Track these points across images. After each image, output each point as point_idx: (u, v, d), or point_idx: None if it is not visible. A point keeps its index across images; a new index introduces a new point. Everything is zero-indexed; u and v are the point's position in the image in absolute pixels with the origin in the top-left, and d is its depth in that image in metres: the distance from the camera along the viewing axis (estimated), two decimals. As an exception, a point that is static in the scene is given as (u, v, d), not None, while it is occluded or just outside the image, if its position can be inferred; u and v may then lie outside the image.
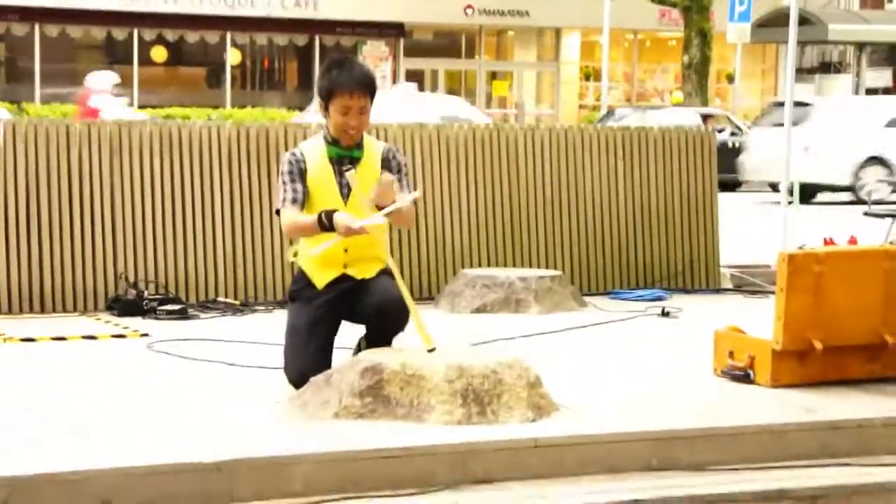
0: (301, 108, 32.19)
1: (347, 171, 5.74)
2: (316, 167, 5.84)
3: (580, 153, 9.74)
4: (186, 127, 8.84)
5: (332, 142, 5.86)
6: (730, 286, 9.97)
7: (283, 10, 32.48)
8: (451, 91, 36.11)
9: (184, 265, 8.61)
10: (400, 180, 5.88)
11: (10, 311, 8.18)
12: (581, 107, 36.60)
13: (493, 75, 36.77)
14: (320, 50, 33.81)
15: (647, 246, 9.84)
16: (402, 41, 34.30)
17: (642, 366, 6.83)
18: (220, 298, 8.61)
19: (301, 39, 33.77)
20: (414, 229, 9.05)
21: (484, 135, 9.54)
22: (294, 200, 5.79)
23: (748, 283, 9.95)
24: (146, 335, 7.48)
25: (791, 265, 6.19)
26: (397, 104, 21.00)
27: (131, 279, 8.42)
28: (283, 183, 5.83)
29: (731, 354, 6.40)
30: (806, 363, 6.23)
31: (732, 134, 25.55)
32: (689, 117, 23.62)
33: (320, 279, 5.93)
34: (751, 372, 6.29)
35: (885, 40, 32.24)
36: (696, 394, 6.10)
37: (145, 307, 8.19)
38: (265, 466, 4.84)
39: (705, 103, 28.78)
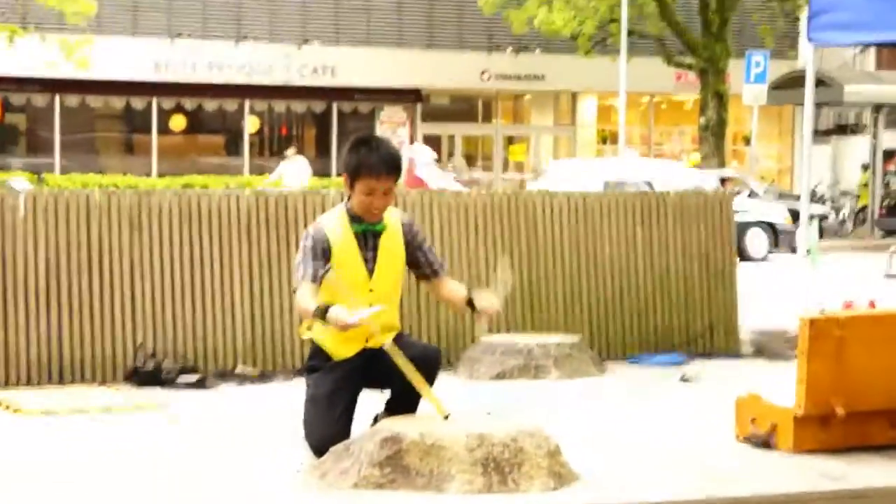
0: (320, 176, 32.33)
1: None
2: (341, 244, 5.85)
3: (598, 218, 9.73)
4: (206, 196, 8.87)
5: (355, 217, 5.88)
6: (750, 351, 9.91)
7: (301, 77, 32.69)
8: (469, 156, 36.22)
9: (202, 334, 8.60)
10: (421, 246, 6.02)
11: (29, 383, 8.17)
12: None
13: (510, 140, 36.87)
14: (338, 116, 33.99)
15: (666, 310, 9.80)
16: (419, 106, 34.46)
17: (663, 432, 6.78)
18: (239, 368, 8.59)
19: (319, 106, 33.95)
20: (432, 296, 9.02)
21: (502, 201, 9.55)
22: (313, 278, 5.78)
23: (769, 348, 9.88)
24: (165, 406, 7.46)
25: (812, 330, 6.16)
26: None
27: (150, 349, 8.41)
28: (303, 259, 5.81)
29: (752, 421, 6.36)
30: (828, 429, 6.18)
31: (750, 196, 25.51)
32: (707, 180, 23.55)
33: (340, 353, 5.93)
34: (773, 439, 6.24)
35: (902, 101, 32.25)
36: (717, 461, 6.05)
37: (164, 378, 8.18)
38: (284, 539, 4.80)
39: (722, 165, 28.79)
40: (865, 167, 30.63)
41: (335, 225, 5.89)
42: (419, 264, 6.06)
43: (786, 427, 6.19)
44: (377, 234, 5.91)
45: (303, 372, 8.62)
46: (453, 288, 6.12)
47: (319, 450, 5.77)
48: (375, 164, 5.79)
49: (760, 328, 10.38)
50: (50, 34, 23.54)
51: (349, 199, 5.93)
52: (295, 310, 6.08)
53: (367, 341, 5.93)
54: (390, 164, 5.84)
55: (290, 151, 25.18)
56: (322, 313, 5.57)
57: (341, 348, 5.95)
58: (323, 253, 5.81)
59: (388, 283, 5.95)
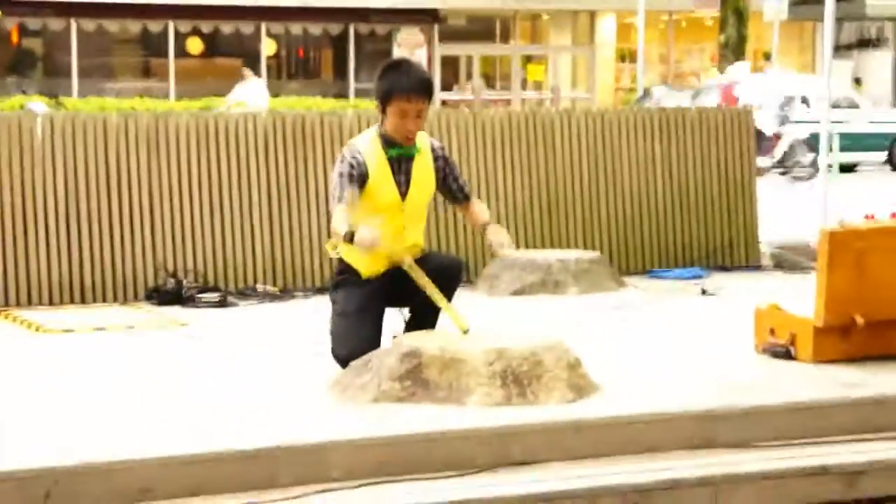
0: (337, 96, 32.23)
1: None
2: (375, 168, 5.91)
3: (617, 135, 9.69)
4: (223, 118, 8.86)
5: (388, 141, 5.92)
6: (770, 264, 9.90)
7: (318, -1, 32.53)
8: (487, 77, 36.03)
9: (222, 254, 8.63)
10: (452, 173, 6.14)
11: (50, 303, 8.22)
12: (618, 89, 36.43)
13: (528, 59, 36.66)
14: (355, 38, 33.81)
15: (685, 225, 9.78)
16: (436, 27, 34.23)
17: (682, 345, 6.80)
18: (259, 286, 8.62)
19: (335, 28, 33.75)
20: (451, 212, 9.04)
21: (520, 119, 9.51)
22: (349, 202, 5.84)
23: (788, 261, 9.87)
24: (186, 324, 7.50)
25: (832, 242, 6.14)
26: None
27: (170, 269, 8.44)
28: (339, 184, 5.86)
29: (772, 332, 6.36)
30: (848, 339, 6.18)
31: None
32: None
33: (367, 270, 5.98)
34: (792, 349, 6.25)
35: (924, 15, 31.95)
36: (737, 372, 6.07)
37: (185, 296, 8.21)
38: (304, 452, 4.84)
39: (743, 82, 28.57)
40: None
41: (369, 149, 5.94)
42: (451, 190, 6.19)
43: (805, 337, 6.19)
44: (409, 159, 5.98)
45: (326, 288, 8.67)
46: (478, 210, 6.22)
47: (349, 362, 5.81)
48: (406, 87, 5.84)
49: (780, 241, 10.36)
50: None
51: (381, 123, 5.94)
52: (332, 229, 6.08)
53: (393, 259, 5.99)
54: (421, 87, 5.89)
55: (247, 73, 24.99)
56: (350, 237, 5.66)
57: (370, 266, 5.99)
58: (359, 177, 5.86)
59: (419, 206, 6.06)
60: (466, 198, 6.22)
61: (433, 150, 6.10)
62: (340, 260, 6.09)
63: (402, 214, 5.95)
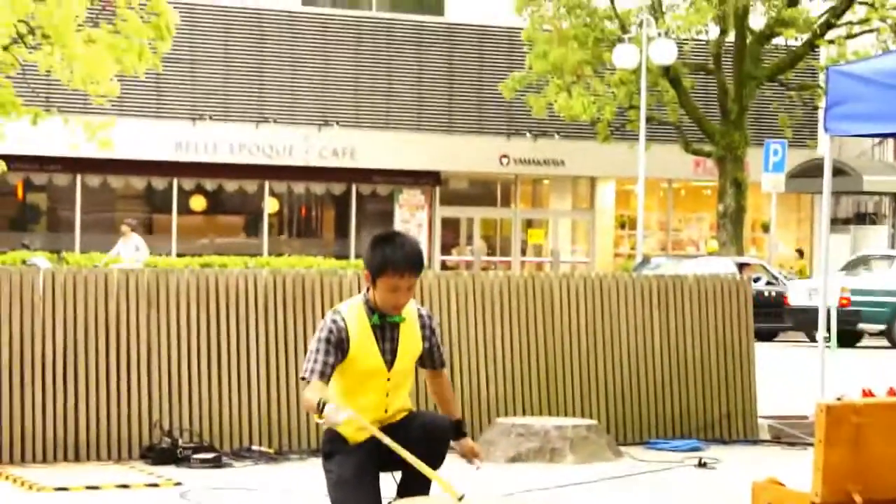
0: (338, 256, 32.41)
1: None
2: (359, 335, 5.86)
3: (615, 301, 9.74)
4: (223, 275, 8.92)
5: (373, 309, 5.89)
6: (768, 437, 9.86)
7: (321, 159, 32.88)
8: (487, 239, 36.29)
9: (218, 412, 8.61)
10: (437, 342, 6.06)
11: (44, 460, 8.17)
12: (616, 255, 36.68)
13: (529, 223, 36.97)
14: (357, 198, 34.13)
15: (683, 395, 9.77)
16: (437, 189, 34.60)
17: (679, 518, 6.74)
18: (255, 446, 8.58)
19: (338, 188, 34.11)
20: (448, 376, 9.01)
21: (519, 283, 9.57)
22: (322, 374, 5.78)
23: (786, 434, 9.83)
24: (179, 484, 7.45)
25: (829, 416, 6.12)
26: None
27: (166, 427, 8.41)
28: (316, 351, 5.82)
29: (769, 507, 6.31)
30: (846, 516, 6.12)
31: (768, 283, 25.52)
32: (725, 266, 23.62)
33: (356, 437, 5.95)
34: (790, 525, 6.19)
35: (921, 190, 32.37)
36: (734, 547, 6.00)
37: (179, 456, 8.17)
38: None
39: (740, 252, 28.81)
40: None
41: (352, 315, 5.89)
42: (431, 357, 6.10)
43: (803, 514, 6.13)
44: (395, 326, 5.93)
45: (319, 452, 8.62)
46: (447, 391, 6.17)
47: None
48: (400, 263, 5.80)
49: (778, 414, 10.34)
50: (73, 115, 23.76)
51: (368, 290, 5.97)
52: (301, 402, 6.07)
53: (380, 424, 5.96)
54: (415, 262, 5.86)
55: (125, 229, 25.00)
56: (320, 409, 5.62)
57: (358, 433, 5.96)
58: (339, 344, 5.81)
59: (405, 373, 6.01)
60: (440, 366, 6.14)
61: (420, 317, 6.04)
62: (327, 428, 6.07)
63: (387, 383, 5.90)
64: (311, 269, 10.84)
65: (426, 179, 34.25)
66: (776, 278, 26.00)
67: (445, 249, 35.23)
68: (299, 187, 34.02)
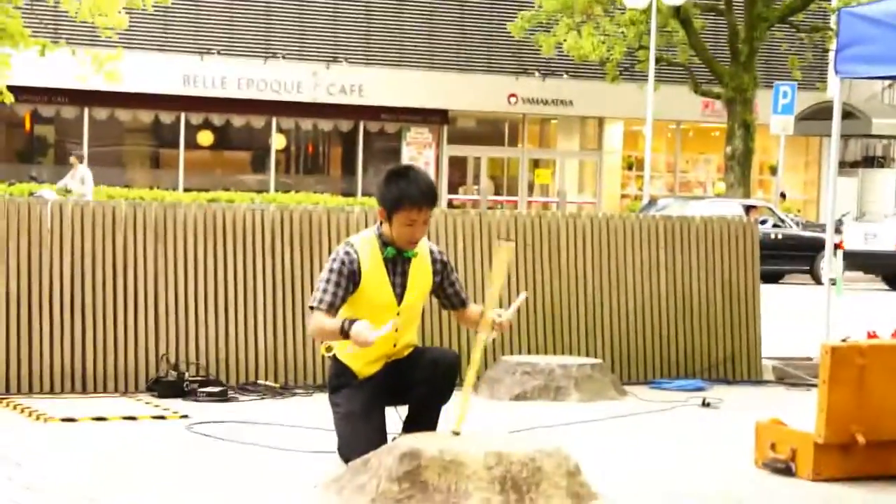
0: (345, 193, 32.39)
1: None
2: (371, 268, 5.89)
3: (622, 242, 9.74)
4: (231, 210, 8.91)
5: (386, 243, 5.92)
6: (772, 378, 9.89)
7: (329, 95, 32.80)
8: (494, 179, 36.24)
9: (225, 347, 8.63)
10: (449, 277, 6.12)
11: (52, 391, 8.21)
12: (623, 196, 36.65)
13: (536, 163, 36.91)
14: (364, 135, 34.07)
15: (688, 336, 9.79)
16: (445, 128, 34.51)
17: (682, 457, 6.77)
18: (261, 381, 8.62)
19: (346, 125, 34.04)
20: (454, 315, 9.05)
21: (526, 222, 9.57)
22: (331, 305, 5.81)
23: (791, 375, 9.87)
24: (186, 416, 7.49)
25: (834, 357, 6.15)
26: None
27: (172, 361, 8.45)
28: (327, 281, 5.84)
29: (772, 447, 6.35)
30: (849, 457, 6.16)
31: (775, 226, 25.51)
32: (732, 208, 23.60)
33: (365, 371, 5.99)
34: (792, 465, 6.23)
35: (929, 134, 32.25)
36: (736, 485, 6.04)
37: (186, 389, 8.21)
38: (301, 551, 4.81)
39: (748, 195, 28.76)
40: None
41: (366, 249, 5.93)
42: (447, 295, 6.17)
43: (806, 454, 6.17)
44: (407, 261, 5.97)
45: (324, 387, 8.66)
46: (473, 310, 6.21)
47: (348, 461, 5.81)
48: (417, 197, 5.84)
49: (783, 355, 10.36)
50: (80, 47, 23.69)
51: (380, 225, 5.96)
52: (309, 332, 6.25)
53: (388, 358, 6.00)
54: (430, 195, 5.91)
55: (73, 160, 24.90)
56: (346, 330, 5.65)
57: (366, 367, 6.00)
58: (351, 276, 5.84)
59: (415, 309, 6.06)
60: (463, 303, 6.21)
61: (431, 252, 6.09)
62: (335, 361, 6.09)
63: (396, 318, 5.92)
64: (318, 206, 10.83)
65: (434, 118, 34.16)
66: (783, 220, 25.98)
67: (452, 188, 35.20)
68: (307, 124, 33.96)
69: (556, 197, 35.42)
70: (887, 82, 32.24)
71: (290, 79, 32.38)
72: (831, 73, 10.08)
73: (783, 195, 31.19)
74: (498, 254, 6.14)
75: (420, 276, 6.01)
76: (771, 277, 22.84)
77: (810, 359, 9.77)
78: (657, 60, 28.66)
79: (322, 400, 6.97)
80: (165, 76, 31.02)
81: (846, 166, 33.38)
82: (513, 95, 34.32)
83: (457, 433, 5.64)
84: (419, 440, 5.56)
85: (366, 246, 5.94)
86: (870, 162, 34.87)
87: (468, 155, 35.70)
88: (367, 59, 33.16)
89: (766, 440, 6.40)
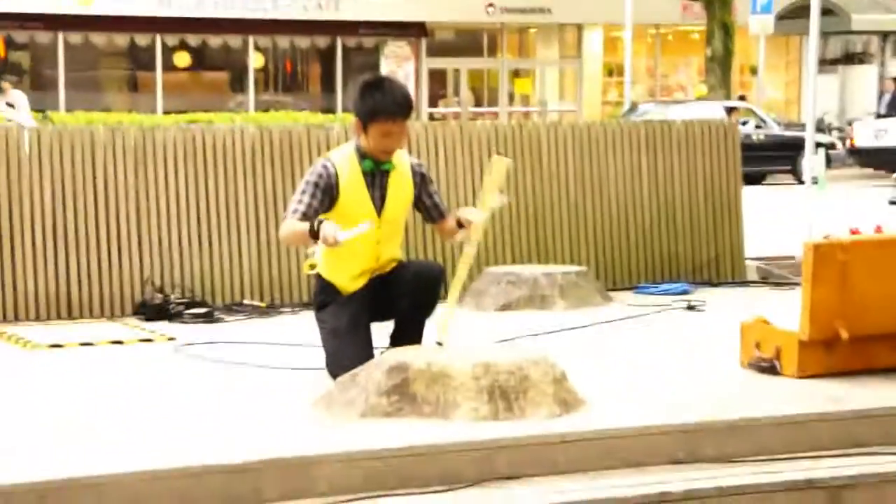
0: (325, 110, 32.25)
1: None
2: (350, 181, 5.89)
3: (603, 149, 9.73)
4: (210, 132, 8.88)
5: (364, 155, 5.91)
6: (756, 278, 9.94)
7: (305, 11, 32.52)
8: (474, 90, 36.07)
9: (209, 269, 8.64)
10: (427, 189, 6.11)
11: (38, 318, 8.22)
12: (605, 103, 36.54)
13: (516, 73, 36.73)
14: (342, 51, 33.85)
15: (671, 240, 9.82)
16: (423, 41, 34.28)
17: (668, 359, 6.83)
18: (246, 301, 8.63)
19: (323, 41, 33.80)
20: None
21: (507, 132, 9.55)
22: (304, 215, 5.81)
23: (774, 275, 9.92)
24: (173, 339, 7.51)
25: (816, 255, 6.18)
26: None
27: (157, 284, 8.45)
28: (303, 192, 5.85)
29: (757, 346, 6.40)
30: (832, 353, 6.22)
31: (757, 126, 25.49)
32: (713, 110, 23.58)
33: (350, 288, 6.01)
34: (777, 363, 6.28)
35: (910, 29, 32.15)
36: (722, 386, 6.10)
37: (172, 311, 8.22)
38: (291, 466, 4.86)
39: (729, 96, 28.71)
40: None
41: (344, 163, 5.92)
42: (426, 207, 6.18)
43: (790, 351, 6.22)
44: (385, 174, 5.96)
45: (310, 305, 8.69)
46: (451, 220, 6.20)
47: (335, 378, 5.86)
48: (391, 107, 5.82)
49: (766, 255, 10.41)
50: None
51: (358, 139, 5.95)
52: (280, 239, 6.18)
53: (372, 273, 6.02)
54: (405, 105, 5.89)
55: (6, 85, 24.44)
56: (315, 233, 5.63)
57: (351, 283, 6.01)
58: (328, 189, 5.83)
59: (395, 222, 6.05)
60: (442, 216, 6.21)
61: (411, 165, 6.09)
62: (319, 279, 6.11)
63: (377, 231, 5.93)
64: (297, 124, 10.78)
65: (412, 31, 33.93)
66: (764, 121, 25.97)
67: (433, 101, 35.06)
68: (284, 41, 33.70)
69: (537, 106, 35.31)
70: (866, -22, 32.06)
71: (264, -4, 32.08)
72: (809, -30, 10.09)
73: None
74: (492, 168, 6.13)
75: (399, 188, 6.01)
76: (754, 179, 22.88)
77: (793, 258, 9.82)
78: (635, -37, 28.48)
79: (308, 318, 6.98)
80: (139, -1, 30.73)
81: (826, 64, 33.30)
82: (490, 5, 34.08)
83: (440, 343, 5.68)
84: (406, 353, 5.59)
85: (344, 160, 5.94)
86: (850, 59, 34.78)
87: (447, 67, 35.53)
88: (342, -27, 32.86)
89: (751, 340, 6.45)
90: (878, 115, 27.11)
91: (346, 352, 5.93)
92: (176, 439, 5.12)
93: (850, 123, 30.60)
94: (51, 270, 8.31)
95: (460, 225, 6.03)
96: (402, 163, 6.04)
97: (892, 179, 11.39)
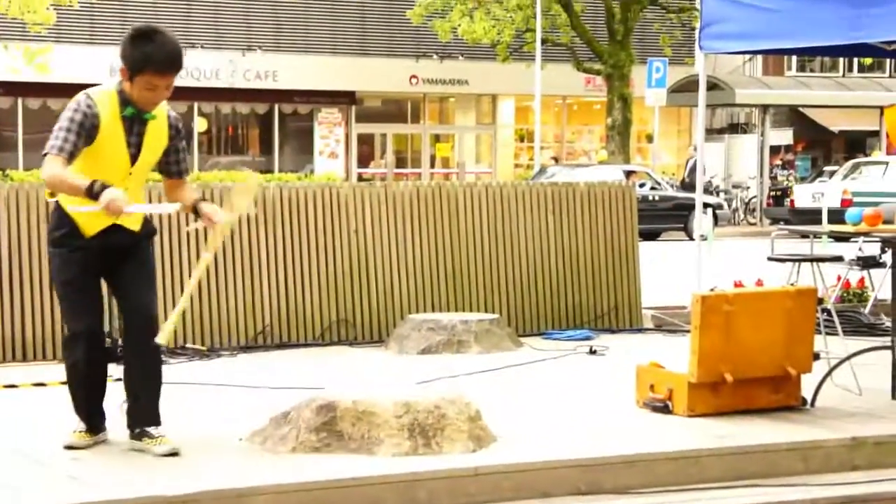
0: (263, 171, 32.15)
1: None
2: (109, 124, 5.26)
3: (515, 207, 9.77)
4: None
5: (126, 101, 5.29)
6: (651, 326, 10.01)
7: (246, 81, 32.52)
8: (399, 153, 36.15)
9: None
10: (178, 145, 5.50)
11: (-6, 360, 8.08)
12: (516, 165, 36.77)
13: (437, 138, 36.89)
14: (279, 117, 33.83)
15: (575, 290, 9.86)
16: (353, 108, 34.36)
17: (572, 399, 6.84)
18: (189, 345, 8.54)
19: (262, 108, 33.77)
20: (364, 278, 9.06)
21: (427, 192, 9.56)
22: (71, 154, 5.16)
23: (667, 323, 9.99)
24: (119, 380, 7.38)
25: (704, 305, 6.24)
26: None
27: (106, 329, 8.31)
28: (67, 130, 5.18)
29: (651, 387, 6.43)
30: (718, 394, 6.26)
31: (652, 188, 25.76)
32: (614, 174, 23.79)
33: (90, 227, 5.34)
34: (669, 403, 6.31)
35: (786, 103, 32.70)
36: (620, 424, 6.11)
37: (119, 355, 8.08)
38: (228, 498, 4.79)
39: (628, 161, 29.01)
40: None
41: (105, 104, 5.28)
42: (168, 161, 5.49)
43: (681, 392, 6.26)
44: (144, 122, 5.34)
45: (251, 346, 8.61)
46: (188, 192, 5.54)
47: (89, 338, 5.46)
48: (163, 63, 5.23)
49: (660, 305, 10.48)
50: (12, 42, 23.24)
51: (120, 82, 5.33)
52: (45, 180, 5.26)
53: (117, 217, 5.28)
54: (176, 62, 5.30)
55: None
56: (97, 191, 5.02)
57: (92, 222, 5.31)
58: (91, 130, 5.21)
59: (145, 171, 5.44)
60: (180, 174, 5.50)
61: (169, 117, 5.46)
62: (59, 209, 5.36)
63: (127, 178, 5.28)
64: (237, 182, 10.66)
65: (343, 99, 34.00)
66: (659, 183, 26.24)
67: (362, 163, 35.09)
68: (226, 108, 33.61)
69: (455, 168, 35.45)
70: (748, 56, 32.62)
71: (209, 66, 32.00)
72: (697, 49, 10.17)
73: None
74: (245, 179, 5.57)
75: (156, 138, 5.38)
76: (649, 235, 23.07)
77: (684, 307, 9.89)
78: (543, 41, 28.78)
79: (247, 361, 6.93)
80: (93, 67, 30.44)
81: (714, 133, 33.78)
82: (414, 77, 34.26)
83: (158, 344, 5.30)
84: (334, 392, 5.56)
85: (105, 101, 5.27)
86: (735, 128, 35.32)
87: (375, 132, 35.60)
88: (279, 47, 32.88)
89: (646, 382, 6.48)
90: (682, 181, 28.13)
91: (82, 308, 5.41)
92: (116, 472, 5.03)
93: (734, 186, 31.06)
94: (6, 316, 8.16)
95: (196, 213, 5.39)
96: (161, 113, 5.41)
97: (771, 237, 11.57)
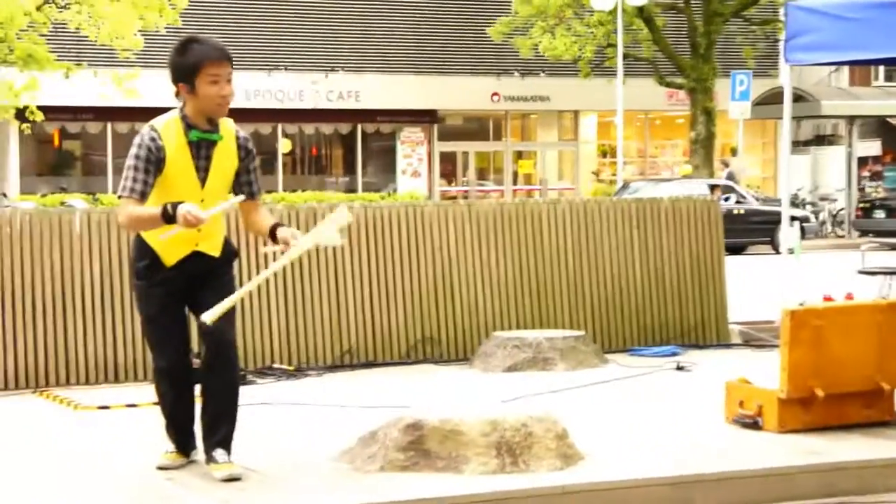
0: (347, 191, 32.36)
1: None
2: (175, 151, 5.27)
3: (598, 223, 9.74)
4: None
5: (190, 125, 5.31)
6: (738, 341, 9.89)
7: (329, 102, 32.76)
8: (481, 171, 36.19)
9: (241, 334, 8.62)
10: (248, 165, 5.47)
11: (87, 382, 8.20)
12: (599, 181, 36.62)
13: (519, 155, 36.86)
14: (362, 136, 34.03)
15: (661, 306, 9.79)
16: (435, 127, 34.46)
17: (660, 416, 6.78)
18: (276, 364, 8.61)
19: (345, 128, 33.99)
20: (448, 296, 9.08)
21: (511, 210, 9.56)
22: (142, 194, 5.18)
23: (755, 338, 9.87)
24: (210, 400, 7.46)
25: (793, 320, 6.16)
26: None
27: (195, 349, 8.42)
28: (135, 169, 5.19)
29: (741, 404, 6.36)
30: (809, 410, 6.18)
31: (737, 202, 25.49)
32: (698, 188, 23.60)
33: (170, 256, 5.37)
34: (759, 419, 6.24)
35: (874, 114, 32.20)
36: (709, 440, 6.05)
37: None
38: (318, 517, 4.82)
39: (711, 175, 28.75)
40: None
41: (170, 132, 5.29)
42: (240, 182, 5.45)
43: (771, 408, 6.18)
44: (212, 144, 5.33)
45: (338, 365, 8.65)
46: (264, 216, 5.50)
47: (171, 373, 5.51)
48: (215, 52, 5.25)
49: (747, 320, 10.36)
50: (101, 68, 23.68)
51: (184, 106, 5.34)
52: (122, 224, 5.33)
53: (196, 245, 5.38)
54: (226, 51, 5.33)
55: None
56: (169, 216, 5.03)
57: (170, 250, 5.35)
58: (158, 162, 5.21)
59: (218, 193, 5.38)
60: (252, 195, 5.45)
61: (238, 137, 5.44)
62: (139, 239, 5.40)
63: (200, 204, 5.20)
64: (321, 203, 10.80)
65: (425, 118, 34.11)
66: (744, 197, 25.97)
67: (444, 181, 35.18)
68: (309, 128, 33.89)
69: (538, 185, 35.39)
70: (833, 67, 32.20)
71: (292, 88, 32.32)
72: (782, 61, 10.05)
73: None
74: (336, 212, 5.43)
75: (224, 159, 5.36)
76: (735, 249, 22.84)
77: (772, 322, 9.77)
78: (625, 56, 28.65)
79: (334, 380, 6.97)
80: (179, 91, 30.96)
81: (799, 145, 33.35)
82: (495, 94, 34.28)
83: (205, 321, 5.19)
84: (420, 412, 5.57)
85: (170, 129, 5.28)
86: (820, 140, 34.85)
87: (457, 150, 35.65)
88: (362, 68, 33.10)
89: (735, 398, 6.41)
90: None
91: (164, 343, 5.46)
92: (212, 491, 5.07)
93: (821, 199, 30.68)
94: (99, 338, 8.30)
95: (273, 236, 5.34)
96: (229, 133, 5.41)
97: (861, 250, 11.40)
